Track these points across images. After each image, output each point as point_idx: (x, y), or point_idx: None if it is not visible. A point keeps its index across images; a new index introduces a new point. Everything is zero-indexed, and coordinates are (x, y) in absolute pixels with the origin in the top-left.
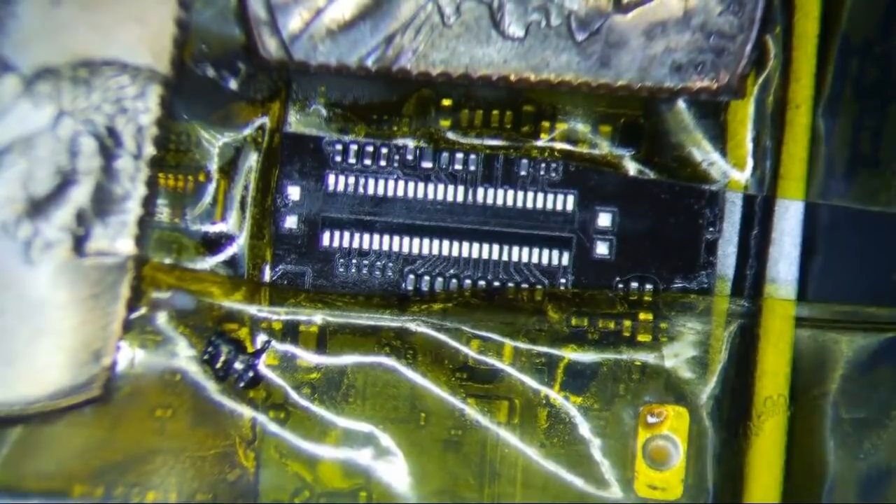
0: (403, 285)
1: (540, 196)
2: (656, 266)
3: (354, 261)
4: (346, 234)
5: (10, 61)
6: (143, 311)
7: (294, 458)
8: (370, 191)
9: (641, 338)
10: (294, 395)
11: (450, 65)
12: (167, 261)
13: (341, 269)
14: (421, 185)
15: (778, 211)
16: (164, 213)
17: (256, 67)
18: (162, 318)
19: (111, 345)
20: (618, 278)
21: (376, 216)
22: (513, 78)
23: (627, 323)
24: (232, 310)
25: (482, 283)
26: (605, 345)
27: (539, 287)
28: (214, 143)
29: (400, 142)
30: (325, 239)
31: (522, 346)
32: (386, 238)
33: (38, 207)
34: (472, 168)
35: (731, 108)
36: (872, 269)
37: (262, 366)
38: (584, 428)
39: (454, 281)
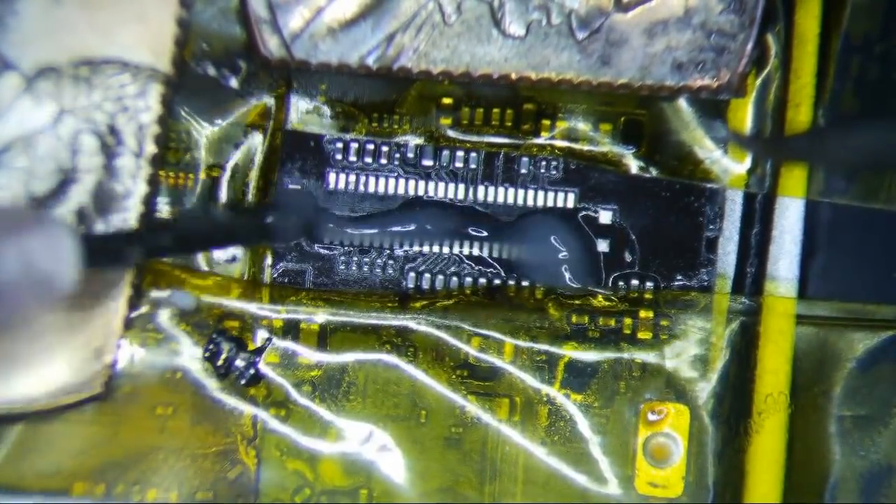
0: (404, 283)
1: (541, 194)
2: (657, 264)
3: (355, 258)
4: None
5: (12, 60)
6: (144, 309)
7: (295, 456)
8: (371, 188)
9: (642, 335)
10: (295, 392)
11: (451, 63)
12: (168, 259)
13: (342, 267)
14: (421, 183)
15: (778, 209)
16: (165, 210)
17: (257, 66)
18: (163, 316)
19: (112, 343)
20: (618, 276)
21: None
22: (514, 76)
23: (628, 321)
24: (233, 308)
25: (483, 280)
26: (605, 342)
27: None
28: (215, 141)
29: (401, 140)
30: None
31: (523, 343)
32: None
33: (39, 205)
34: (473, 166)
35: (732, 107)
36: (873, 266)
37: (263, 363)
38: (584, 425)
39: (455, 279)
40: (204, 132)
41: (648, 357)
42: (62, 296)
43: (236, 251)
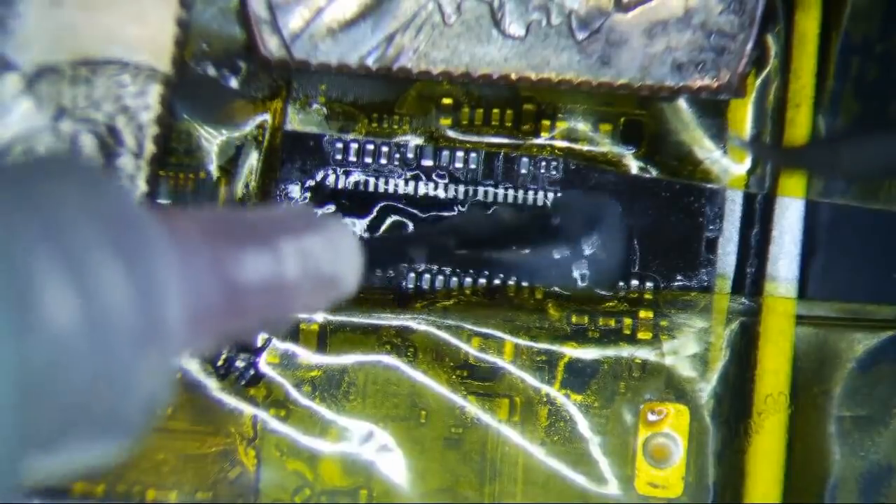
0: (404, 283)
1: (540, 194)
2: (656, 264)
3: None
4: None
5: (11, 60)
6: None
7: (294, 456)
8: (370, 189)
9: (642, 335)
10: (295, 393)
11: (451, 64)
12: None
13: None
14: (421, 184)
15: (778, 209)
16: None
17: (257, 66)
18: None
19: None
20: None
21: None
22: (513, 77)
23: (628, 321)
24: None
25: (483, 280)
26: (605, 342)
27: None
28: (215, 141)
29: (401, 140)
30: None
31: (523, 343)
32: None
33: None
34: (473, 166)
35: (732, 107)
36: (873, 267)
37: (263, 364)
38: (584, 426)
39: (455, 279)
40: (215, 141)
41: (648, 357)
42: (341, 299)
43: None
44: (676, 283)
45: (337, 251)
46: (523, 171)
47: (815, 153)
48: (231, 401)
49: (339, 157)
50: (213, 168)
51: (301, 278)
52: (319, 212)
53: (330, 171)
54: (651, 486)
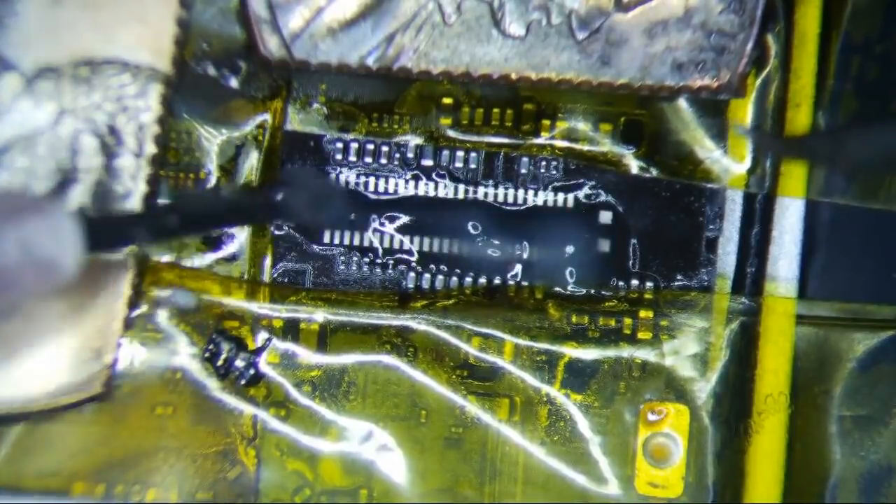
0: (404, 283)
1: (540, 194)
2: (657, 264)
3: (355, 258)
4: (347, 232)
5: (11, 60)
6: (143, 308)
7: (295, 456)
8: (371, 188)
9: (642, 335)
10: (295, 392)
11: (451, 63)
12: (168, 259)
13: (342, 267)
14: (421, 183)
15: (778, 209)
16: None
17: (257, 66)
18: (163, 316)
19: (112, 343)
20: (618, 276)
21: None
22: (514, 76)
23: (628, 321)
24: (233, 307)
25: (483, 280)
26: (605, 342)
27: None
28: (215, 141)
29: (401, 140)
30: (326, 236)
31: (523, 343)
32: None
33: None
34: (473, 166)
35: (732, 107)
36: (873, 266)
37: (263, 363)
38: (584, 425)
39: (455, 279)
40: (215, 141)
41: (648, 357)
42: (65, 280)
43: (235, 249)
44: (676, 283)
45: (54, 234)
46: (523, 170)
47: (818, 143)
48: (231, 401)
49: (339, 156)
50: (214, 168)
51: (15, 261)
52: (37, 195)
53: (330, 171)
54: (651, 486)
